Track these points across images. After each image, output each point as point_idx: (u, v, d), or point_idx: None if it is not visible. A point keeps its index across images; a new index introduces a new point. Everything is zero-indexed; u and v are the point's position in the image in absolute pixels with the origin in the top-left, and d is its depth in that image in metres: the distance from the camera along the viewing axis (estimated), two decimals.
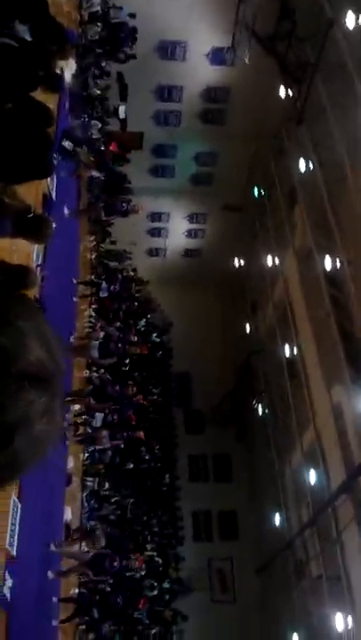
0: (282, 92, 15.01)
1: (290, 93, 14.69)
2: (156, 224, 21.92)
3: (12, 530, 7.18)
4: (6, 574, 6.84)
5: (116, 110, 16.23)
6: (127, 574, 14.37)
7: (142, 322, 19.07)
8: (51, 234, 4.52)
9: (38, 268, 7.63)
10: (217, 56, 15.91)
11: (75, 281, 13.95)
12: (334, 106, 12.89)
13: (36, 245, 8.01)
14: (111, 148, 14.62)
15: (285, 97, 15.01)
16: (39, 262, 8.01)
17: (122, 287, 18.43)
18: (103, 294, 16.19)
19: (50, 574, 9.61)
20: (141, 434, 15.69)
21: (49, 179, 9.02)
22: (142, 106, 16.94)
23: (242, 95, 16.45)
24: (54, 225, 4.70)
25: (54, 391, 0.76)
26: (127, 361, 16.67)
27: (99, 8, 13.28)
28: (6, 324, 0.73)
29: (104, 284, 16.42)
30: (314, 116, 14.06)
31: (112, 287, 16.96)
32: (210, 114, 17.66)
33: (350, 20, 11.38)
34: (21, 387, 0.71)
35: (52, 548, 9.68)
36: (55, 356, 0.77)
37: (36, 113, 4.59)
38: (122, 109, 16.29)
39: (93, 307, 16.09)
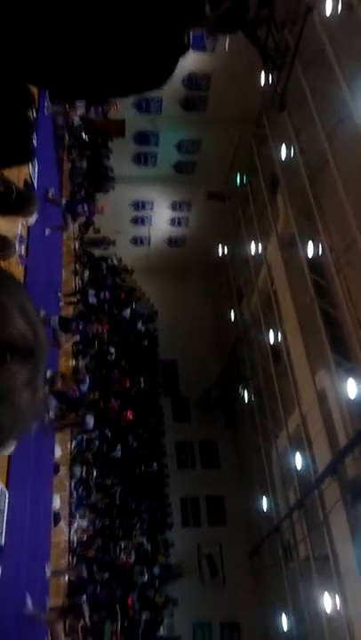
0: (263, 78, 15.01)
1: (271, 80, 14.68)
2: (140, 212, 21.85)
3: None
4: None
5: None
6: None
7: (127, 311, 19.09)
8: (35, 210, 4.50)
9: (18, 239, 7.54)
10: (197, 41, 15.82)
11: (60, 294, 13.55)
12: (315, 91, 12.89)
13: (20, 231, 7.97)
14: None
15: (266, 84, 15.00)
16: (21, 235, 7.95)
17: (106, 277, 18.40)
18: (91, 300, 16.13)
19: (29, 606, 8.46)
20: (130, 414, 15.74)
21: (30, 165, 8.95)
22: None
23: (223, 82, 16.39)
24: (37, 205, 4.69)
25: (37, 364, 0.76)
26: (112, 350, 16.71)
27: None
28: None
29: (91, 292, 16.28)
30: (295, 102, 14.05)
31: (102, 295, 16.89)
32: (191, 101, 17.59)
33: (328, 5, 11.38)
34: (3, 359, 0.71)
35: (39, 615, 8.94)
36: (37, 330, 0.77)
37: (15, 94, 4.52)
38: None
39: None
